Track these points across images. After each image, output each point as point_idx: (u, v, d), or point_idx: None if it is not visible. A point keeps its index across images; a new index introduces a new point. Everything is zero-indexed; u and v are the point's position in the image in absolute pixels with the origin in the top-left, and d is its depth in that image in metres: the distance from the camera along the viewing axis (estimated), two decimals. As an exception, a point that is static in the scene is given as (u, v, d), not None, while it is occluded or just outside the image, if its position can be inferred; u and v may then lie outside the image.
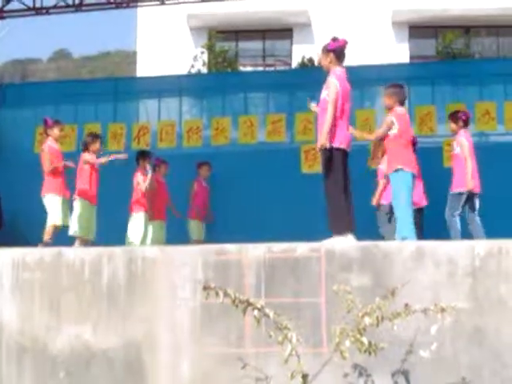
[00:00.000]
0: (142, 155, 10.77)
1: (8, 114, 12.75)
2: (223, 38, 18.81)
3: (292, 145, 11.73)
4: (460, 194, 8.83)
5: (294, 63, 18.77)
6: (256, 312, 4.23)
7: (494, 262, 5.05)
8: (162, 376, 5.38)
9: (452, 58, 17.41)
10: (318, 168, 11.29)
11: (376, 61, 14.73)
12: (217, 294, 4.22)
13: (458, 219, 8.82)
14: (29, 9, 12.91)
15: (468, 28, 19.04)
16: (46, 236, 9.10)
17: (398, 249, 5.20)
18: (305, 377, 4.20)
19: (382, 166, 9.17)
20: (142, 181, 10.47)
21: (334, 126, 6.91)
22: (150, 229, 10.63)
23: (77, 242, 9.30)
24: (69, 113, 12.29)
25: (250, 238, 5.87)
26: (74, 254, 5.75)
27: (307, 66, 17.40)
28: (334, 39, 7.21)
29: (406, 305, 4.31)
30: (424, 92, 11.61)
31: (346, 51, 7.19)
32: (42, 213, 9.27)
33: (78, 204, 9.47)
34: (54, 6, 12.93)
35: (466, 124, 9.12)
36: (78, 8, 12.88)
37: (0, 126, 12.83)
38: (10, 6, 12.96)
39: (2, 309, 5.78)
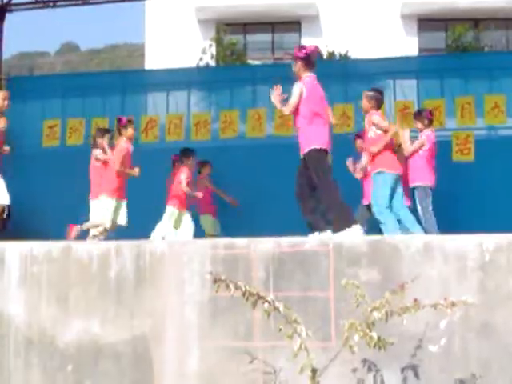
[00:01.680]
0: (185, 153, 10.65)
1: (15, 107, 12.71)
2: (231, 30, 18.78)
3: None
4: (422, 187, 8.91)
5: (303, 56, 18.72)
6: (266, 305, 4.22)
7: (503, 257, 5.02)
8: (170, 370, 5.37)
9: (461, 51, 17.33)
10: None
11: (385, 54, 14.66)
12: (227, 286, 4.21)
13: (431, 217, 8.86)
14: (36, 2, 12.90)
15: (477, 21, 18.95)
16: (97, 233, 9.05)
17: (407, 243, 5.17)
18: (314, 371, 4.18)
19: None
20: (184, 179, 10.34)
21: (310, 130, 7.14)
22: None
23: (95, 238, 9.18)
24: (76, 106, 12.27)
25: (258, 232, 5.86)
26: (83, 248, 5.75)
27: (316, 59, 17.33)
28: (301, 47, 7.40)
29: (415, 299, 4.29)
30: (433, 85, 11.55)
31: (315, 57, 7.42)
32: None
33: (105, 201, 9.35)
34: (61, -1, 12.93)
35: (430, 123, 9.19)
36: (85, 1, 12.86)
37: (7, 119, 12.82)
38: (16, -1, 12.98)
39: (10, 302, 5.78)
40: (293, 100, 7.13)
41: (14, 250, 5.88)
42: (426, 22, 19.20)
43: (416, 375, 4.91)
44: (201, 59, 18.19)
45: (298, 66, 7.37)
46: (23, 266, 5.79)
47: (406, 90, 11.73)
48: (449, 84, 11.58)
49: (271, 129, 11.98)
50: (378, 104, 7.98)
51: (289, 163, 11.23)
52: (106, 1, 13.05)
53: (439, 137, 9.93)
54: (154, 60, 18.81)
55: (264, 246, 5.33)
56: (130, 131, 9.34)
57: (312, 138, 7.12)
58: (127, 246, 5.69)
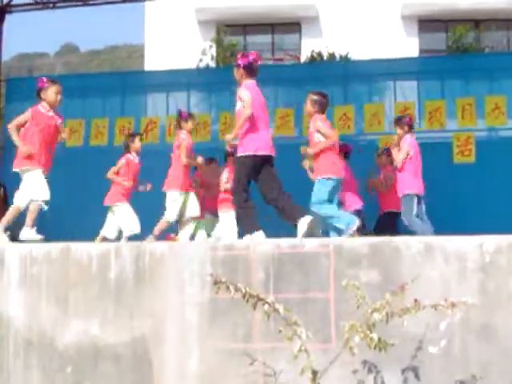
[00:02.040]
0: None
1: (15, 108, 12.72)
2: (231, 31, 18.79)
3: (300, 139, 11.67)
4: (411, 195, 8.82)
5: (303, 57, 18.72)
6: (266, 307, 4.20)
7: (503, 258, 5.00)
8: (170, 371, 5.36)
9: (462, 52, 17.33)
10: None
11: (385, 55, 14.67)
12: (228, 288, 4.20)
13: (416, 219, 8.75)
14: (35, 3, 12.89)
15: (478, 22, 18.95)
16: (157, 232, 9.12)
17: (407, 244, 5.15)
18: (314, 373, 4.16)
19: None
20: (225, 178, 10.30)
21: (248, 134, 7.28)
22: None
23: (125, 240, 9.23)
24: (76, 107, 12.26)
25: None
26: (82, 248, 5.73)
27: (316, 60, 17.34)
28: (243, 55, 7.64)
29: (416, 300, 4.27)
30: (434, 86, 11.56)
31: (257, 65, 7.59)
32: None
33: (123, 208, 9.40)
34: (61, 0, 12.91)
35: (410, 128, 9.15)
36: (84, 2, 12.84)
37: (6, 120, 12.82)
38: (16, 0, 12.96)
39: (9, 303, 5.77)
40: (247, 102, 7.25)
41: (14, 251, 5.87)
42: (427, 23, 19.20)
43: (416, 376, 4.90)
44: (201, 60, 18.19)
45: (239, 73, 7.56)
46: (23, 267, 5.78)
47: (406, 91, 11.74)
48: (449, 85, 11.57)
49: (271, 129, 11.96)
50: (322, 108, 8.01)
51: (289, 164, 11.27)
52: (106, 2, 13.04)
53: (439, 138, 9.93)
54: (154, 61, 18.81)
55: (263, 247, 5.31)
56: (189, 125, 9.54)
57: (249, 142, 7.25)
58: (127, 246, 5.69)
